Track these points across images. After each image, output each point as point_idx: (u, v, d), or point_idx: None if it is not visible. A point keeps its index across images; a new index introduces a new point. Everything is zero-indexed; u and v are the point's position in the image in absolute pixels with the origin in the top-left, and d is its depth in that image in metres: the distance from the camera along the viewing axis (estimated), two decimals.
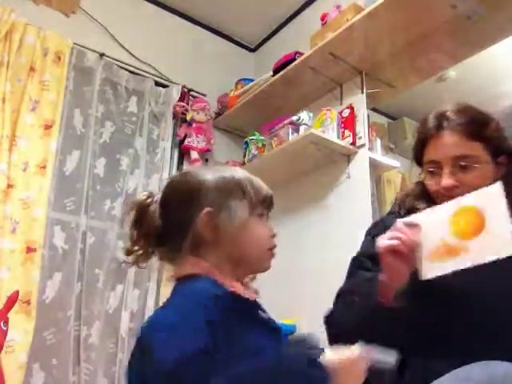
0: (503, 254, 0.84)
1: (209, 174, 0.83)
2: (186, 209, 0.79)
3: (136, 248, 0.83)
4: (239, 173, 0.85)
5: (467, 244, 0.86)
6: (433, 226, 0.90)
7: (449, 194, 0.98)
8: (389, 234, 0.90)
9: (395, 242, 0.87)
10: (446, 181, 0.99)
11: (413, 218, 0.92)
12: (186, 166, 2.59)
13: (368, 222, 1.34)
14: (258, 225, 0.82)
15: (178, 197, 0.83)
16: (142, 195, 0.85)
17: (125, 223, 0.85)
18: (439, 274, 0.86)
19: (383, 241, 0.89)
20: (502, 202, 0.85)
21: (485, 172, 0.99)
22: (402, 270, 0.87)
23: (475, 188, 0.90)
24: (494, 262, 0.83)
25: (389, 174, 2.16)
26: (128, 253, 0.84)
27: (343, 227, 2.04)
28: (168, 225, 0.82)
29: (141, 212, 0.83)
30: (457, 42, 1.89)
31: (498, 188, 0.86)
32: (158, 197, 0.85)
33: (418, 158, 1.09)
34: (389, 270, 0.88)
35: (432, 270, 0.88)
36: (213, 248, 0.79)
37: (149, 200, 0.84)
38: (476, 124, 1.00)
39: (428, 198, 1.06)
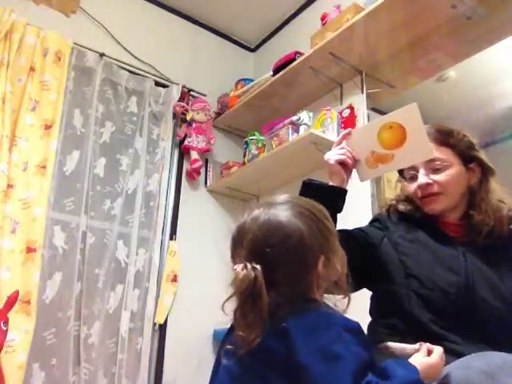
0: (422, 159, 1.12)
1: (298, 222, 0.81)
2: (301, 268, 0.79)
3: (253, 336, 0.73)
4: (314, 206, 0.87)
5: (393, 153, 1.12)
6: (364, 140, 1.17)
7: (425, 192, 1.15)
8: (336, 150, 1.19)
9: (343, 156, 1.17)
10: (421, 179, 1.15)
11: (348, 130, 1.22)
12: (186, 167, 2.60)
13: (367, 223, 1.34)
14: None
15: (288, 259, 0.79)
16: (245, 272, 0.75)
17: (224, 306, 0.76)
18: (373, 177, 1.24)
19: (333, 155, 1.18)
20: (419, 116, 1.07)
21: (455, 172, 1.14)
22: (344, 176, 1.18)
23: (447, 185, 1.13)
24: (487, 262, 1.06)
25: (389, 174, 2.16)
26: (244, 341, 0.74)
27: (343, 227, 2.03)
28: (278, 289, 0.76)
29: (252, 293, 0.74)
30: (457, 42, 1.89)
31: (414, 105, 1.08)
32: (257, 266, 0.76)
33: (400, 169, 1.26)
34: (336, 176, 1.17)
35: (367, 174, 1.19)
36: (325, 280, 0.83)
37: (253, 274, 0.75)
38: (442, 133, 1.17)
39: (411, 202, 1.21)
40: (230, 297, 0.76)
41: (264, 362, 0.74)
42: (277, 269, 0.77)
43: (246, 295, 0.74)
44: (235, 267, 0.78)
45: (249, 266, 0.76)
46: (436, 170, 1.14)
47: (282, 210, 0.83)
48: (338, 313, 0.80)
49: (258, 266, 0.75)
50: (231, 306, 0.77)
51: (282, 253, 0.78)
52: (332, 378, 0.68)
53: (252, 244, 0.79)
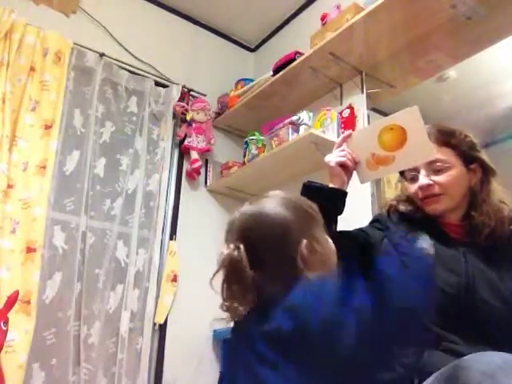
0: (423, 160, 1.12)
1: (282, 211, 0.86)
2: (283, 248, 0.84)
3: (236, 304, 0.83)
4: (300, 199, 0.92)
5: (394, 155, 1.12)
6: (365, 142, 1.17)
7: (426, 193, 1.14)
8: (337, 152, 1.20)
9: (344, 158, 1.17)
10: (422, 180, 1.14)
11: (349, 132, 1.23)
12: (186, 167, 2.60)
13: (367, 223, 1.34)
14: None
15: (270, 240, 0.84)
16: (229, 250, 0.83)
17: (213, 281, 0.85)
18: (373, 179, 1.22)
19: (333, 157, 1.18)
20: (420, 119, 1.08)
21: (456, 173, 1.13)
22: (345, 178, 1.19)
23: (448, 186, 1.12)
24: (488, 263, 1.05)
25: (389, 175, 2.16)
26: (229, 310, 0.84)
27: (343, 227, 2.03)
28: (265, 267, 0.83)
29: (235, 268, 0.81)
30: (457, 42, 1.89)
31: (415, 108, 1.09)
32: (240, 246, 0.83)
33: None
34: (336, 178, 1.18)
35: (368, 176, 1.20)
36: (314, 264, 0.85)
37: (236, 253, 0.82)
38: (444, 133, 1.16)
39: (412, 202, 1.21)
40: (216, 272, 0.83)
41: (274, 344, 0.76)
42: (261, 252, 0.83)
43: (230, 270, 0.81)
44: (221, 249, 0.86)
45: (232, 245, 0.83)
46: (437, 171, 1.13)
47: (268, 202, 0.88)
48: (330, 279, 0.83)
49: (241, 245, 0.82)
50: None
51: (266, 240, 0.84)
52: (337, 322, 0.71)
53: (238, 232, 0.86)
